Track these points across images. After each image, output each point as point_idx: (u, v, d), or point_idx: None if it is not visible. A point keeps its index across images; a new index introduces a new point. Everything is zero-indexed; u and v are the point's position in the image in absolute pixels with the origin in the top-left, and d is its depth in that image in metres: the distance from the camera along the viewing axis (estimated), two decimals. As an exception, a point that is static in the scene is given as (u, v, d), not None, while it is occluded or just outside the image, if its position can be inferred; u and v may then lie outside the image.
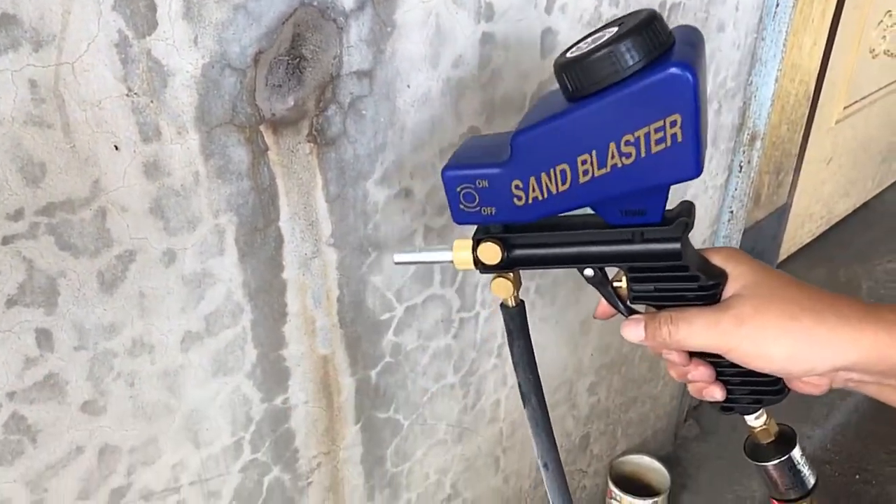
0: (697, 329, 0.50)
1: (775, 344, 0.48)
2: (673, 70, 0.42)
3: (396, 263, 0.59)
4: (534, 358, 0.59)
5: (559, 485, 0.64)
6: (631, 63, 0.43)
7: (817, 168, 2.22)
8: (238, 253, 0.70)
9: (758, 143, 1.39)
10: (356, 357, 0.87)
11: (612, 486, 1.46)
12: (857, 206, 2.62)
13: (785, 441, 0.57)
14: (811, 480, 0.58)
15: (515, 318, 0.58)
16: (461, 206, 0.52)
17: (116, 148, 0.58)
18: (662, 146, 0.43)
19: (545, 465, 0.64)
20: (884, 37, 2.17)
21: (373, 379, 0.90)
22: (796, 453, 0.57)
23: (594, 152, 0.45)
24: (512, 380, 1.13)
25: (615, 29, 0.45)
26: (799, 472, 0.57)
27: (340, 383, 0.86)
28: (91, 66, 0.54)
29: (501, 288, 0.56)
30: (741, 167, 1.37)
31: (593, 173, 0.46)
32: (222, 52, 0.61)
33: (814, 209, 2.35)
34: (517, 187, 0.49)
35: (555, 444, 0.62)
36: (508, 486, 1.25)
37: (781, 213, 2.08)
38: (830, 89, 2.02)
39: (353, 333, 0.85)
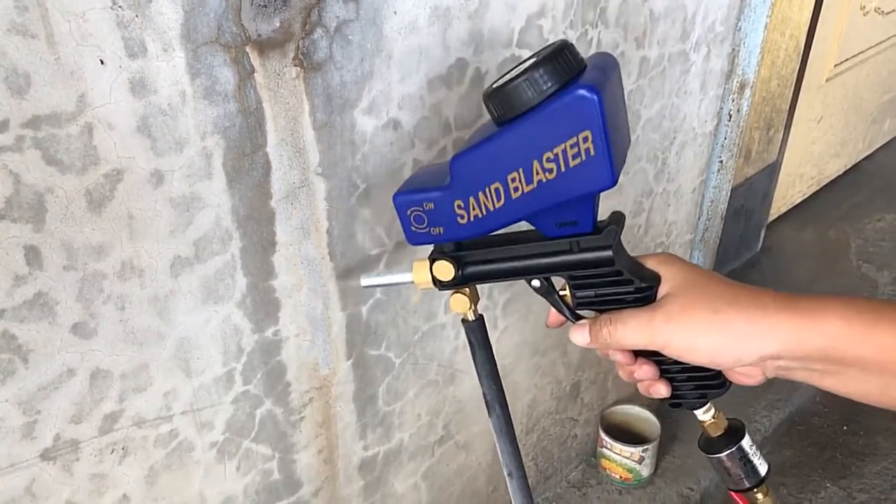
0: (633, 328, 0.54)
1: (703, 337, 0.52)
2: (580, 92, 0.47)
3: (364, 287, 0.65)
4: (496, 368, 0.63)
5: (523, 494, 0.65)
6: (545, 88, 0.48)
7: (808, 127, 2.22)
8: (226, 178, 0.70)
9: (747, 92, 1.39)
10: (346, 292, 0.87)
11: (602, 435, 1.47)
12: (848, 166, 2.63)
13: (734, 433, 0.61)
14: (763, 469, 0.62)
15: (476, 332, 0.63)
16: (413, 228, 0.58)
17: (102, 62, 0.58)
18: (579, 160, 0.48)
19: (510, 474, 0.65)
20: (874, -7, 2.17)
21: (363, 315, 0.91)
22: (746, 443, 0.60)
23: (521, 170, 0.50)
24: (503, 323, 1.14)
25: (533, 59, 0.50)
26: (750, 461, 0.60)
27: (331, 318, 0.87)
28: (74, -26, 0.54)
29: (459, 303, 0.61)
30: (730, 115, 1.38)
31: (523, 189, 0.51)
32: (206, -33, 0.60)
33: (804, 169, 2.36)
34: (459, 207, 0.54)
35: (519, 453, 0.65)
36: (500, 431, 1.26)
37: (772, 171, 2.09)
38: (821, 45, 2.02)
39: (343, 267, 0.85)
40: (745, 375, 0.56)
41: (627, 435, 1.48)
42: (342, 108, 0.76)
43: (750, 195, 2.03)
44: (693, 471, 1.55)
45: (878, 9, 2.22)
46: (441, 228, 0.56)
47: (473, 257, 0.58)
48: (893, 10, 2.31)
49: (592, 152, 0.48)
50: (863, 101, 2.46)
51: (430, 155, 0.87)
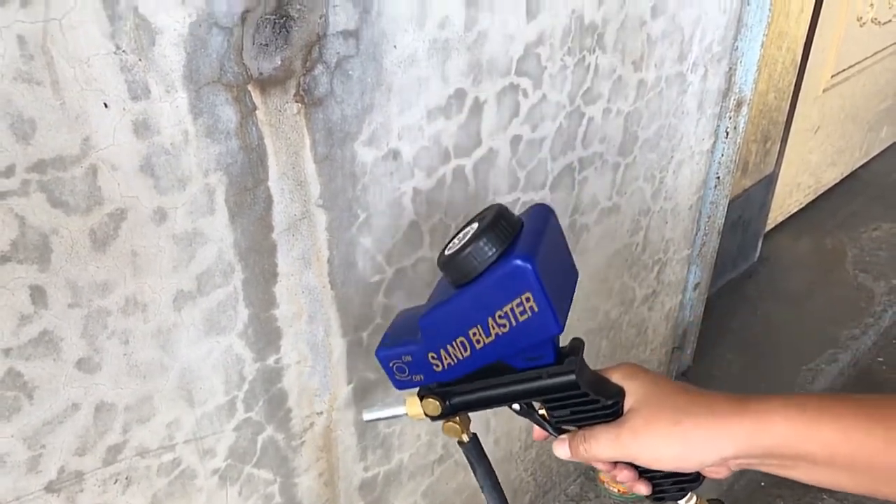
0: (603, 444, 0.60)
1: (665, 448, 0.57)
2: (516, 262, 0.53)
3: (366, 421, 0.70)
4: (497, 479, 0.69)
5: None
6: (486, 256, 0.55)
7: (804, 137, 2.23)
8: (228, 213, 0.71)
9: (744, 109, 1.40)
10: (347, 319, 0.88)
11: (601, 449, 1.48)
12: (845, 175, 2.64)
13: None
14: None
15: (472, 451, 0.68)
16: (397, 377, 0.64)
17: (106, 105, 0.59)
18: (526, 316, 0.55)
19: None
20: (871, 4, 2.18)
21: (364, 340, 0.92)
22: None
23: (479, 326, 0.57)
24: (501, 343, 1.14)
25: (475, 225, 0.57)
26: None
27: (332, 344, 0.88)
28: (79, 22, 0.55)
29: (452, 431, 0.67)
30: (727, 133, 1.39)
31: (483, 342, 0.57)
32: (209, 10, 0.61)
33: (801, 178, 2.37)
34: (433, 358, 0.61)
35: None
36: (499, 448, 1.27)
37: (769, 182, 2.10)
38: (818, 57, 2.03)
39: (343, 295, 0.86)
40: (712, 472, 0.60)
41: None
42: (343, 141, 0.76)
43: (747, 206, 2.04)
44: (691, 484, 1.56)
45: (875, 19, 2.23)
46: (421, 375, 0.63)
47: (457, 390, 0.64)
48: (890, 21, 2.32)
49: (536, 309, 0.54)
50: (860, 110, 2.47)
51: (429, 183, 0.87)
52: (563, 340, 0.62)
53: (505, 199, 1.00)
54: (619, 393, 0.61)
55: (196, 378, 0.76)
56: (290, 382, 0.86)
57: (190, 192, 0.67)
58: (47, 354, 0.64)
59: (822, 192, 2.55)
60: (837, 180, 2.61)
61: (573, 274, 0.62)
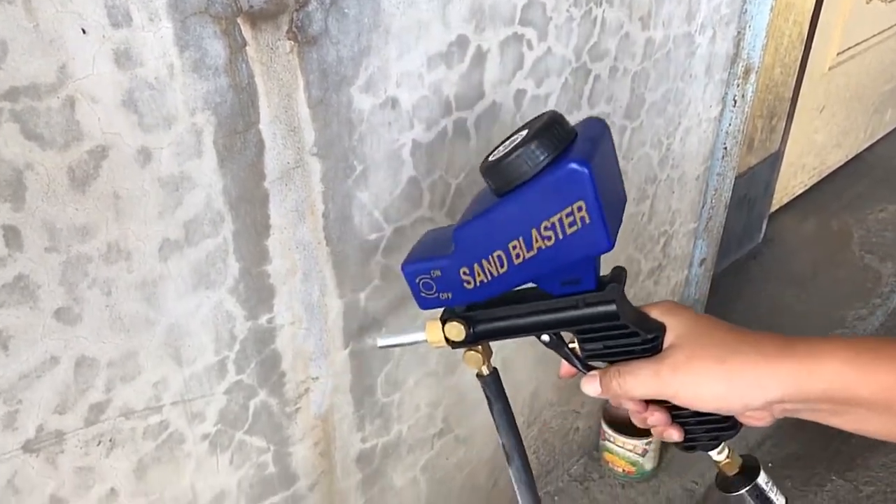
0: (641, 380, 0.56)
1: (708, 387, 0.54)
2: (571, 165, 0.49)
3: (380, 347, 0.66)
4: (514, 419, 0.65)
5: None
6: (538, 160, 0.50)
7: (810, 116, 2.20)
8: (217, 157, 0.67)
9: (752, 78, 1.36)
10: (343, 278, 0.84)
11: (605, 427, 1.45)
12: (850, 157, 2.61)
13: (750, 471, 0.62)
14: (780, 503, 0.63)
15: (491, 386, 0.64)
16: (423, 294, 0.60)
17: (84, 31, 0.55)
18: (575, 228, 0.51)
19: None
20: (878, -19, 2.14)
21: (361, 302, 0.88)
22: (762, 480, 0.62)
23: (521, 238, 0.53)
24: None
25: (525, 132, 0.53)
26: (767, 497, 0.62)
27: (327, 305, 0.84)
28: (52, -66, 0.51)
29: (472, 360, 0.63)
30: (735, 101, 1.35)
31: (524, 256, 0.53)
32: (194, -69, 0.57)
33: (806, 159, 2.33)
34: (465, 273, 0.56)
35: (539, 500, 0.66)
36: (501, 424, 1.23)
37: (774, 161, 2.06)
38: (824, 33, 1.99)
39: (339, 252, 0.82)
40: (754, 418, 0.57)
41: (630, 428, 1.45)
42: (338, 85, 0.72)
43: (752, 185, 2.00)
44: (697, 465, 1.52)
45: (882, -3, 2.20)
46: (449, 294, 0.58)
47: (483, 316, 0.60)
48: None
49: (587, 220, 0.50)
50: (865, 90, 2.43)
51: (429, 136, 0.83)
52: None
53: (508, 159, 0.95)
54: (660, 328, 0.57)
55: (184, 335, 0.72)
56: (284, 344, 0.82)
57: (176, 132, 0.63)
58: (23, 302, 0.60)
59: (826, 174, 2.52)
60: (842, 162, 2.57)
61: (623, 196, 0.57)
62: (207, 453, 0.80)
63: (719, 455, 0.62)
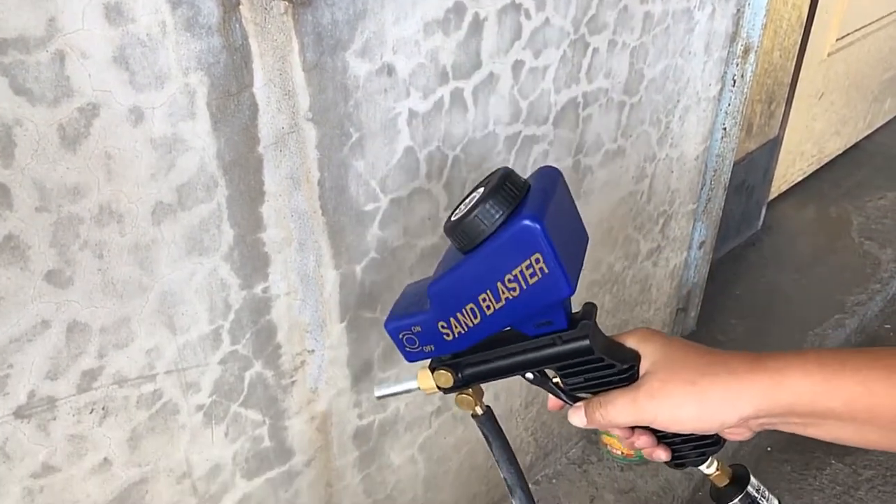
0: (620, 409, 0.57)
1: (682, 409, 0.55)
2: (524, 223, 0.52)
3: (378, 398, 0.67)
4: (513, 454, 0.66)
5: None
6: (494, 219, 0.53)
7: (809, 103, 2.19)
8: (210, 119, 0.66)
9: (751, 57, 1.35)
10: (340, 249, 0.83)
11: (603, 410, 1.44)
12: (848, 145, 2.60)
13: (740, 479, 0.64)
14: None
15: (487, 424, 0.65)
16: (407, 349, 0.62)
17: (73, -16, 0.54)
18: (536, 278, 0.53)
19: None
20: (877, -33, 2.13)
21: (358, 275, 0.87)
22: (752, 488, 0.63)
23: (489, 291, 0.55)
24: (501, 290, 1.10)
25: (481, 189, 0.55)
26: (759, 503, 0.64)
27: (323, 276, 0.83)
28: None
29: (465, 403, 0.64)
30: (734, 81, 1.34)
31: (494, 307, 0.55)
32: None
33: (805, 147, 2.32)
34: (443, 327, 0.59)
35: None
36: (500, 403, 1.23)
37: (773, 147, 2.05)
38: (823, 18, 1.98)
39: (335, 223, 0.81)
40: (733, 434, 0.59)
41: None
42: (333, 49, 0.71)
43: (751, 171, 1.99)
44: (695, 447, 1.51)
45: (881, -18, 2.19)
46: (432, 346, 0.61)
47: (469, 361, 0.62)
48: (896, -15, 2.28)
49: (546, 270, 0.52)
50: (864, 77, 2.42)
51: (426, 106, 0.83)
52: (575, 305, 0.60)
53: (506, 131, 0.95)
54: (635, 357, 0.59)
55: (178, 302, 0.71)
56: (280, 315, 0.81)
57: (168, 92, 0.62)
58: (13, 262, 0.59)
59: (825, 162, 2.51)
60: (841, 151, 2.56)
61: (583, 237, 0.59)
62: (202, 425, 0.79)
63: (709, 468, 0.63)
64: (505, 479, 0.65)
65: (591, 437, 1.51)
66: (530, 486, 0.68)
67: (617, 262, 1.32)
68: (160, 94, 0.62)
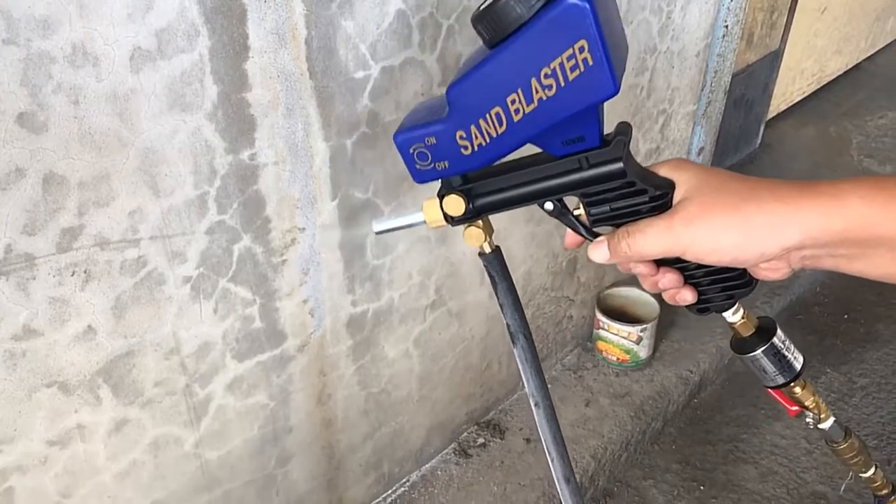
0: (652, 237, 0.53)
1: (723, 236, 0.51)
2: (571, 1, 0.45)
3: (376, 233, 0.62)
4: (518, 299, 0.62)
5: (550, 424, 0.64)
6: (533, 2, 0.46)
7: (811, 17, 2.14)
8: (189, -43, 0.62)
9: (756, -51, 1.30)
10: (329, 119, 0.80)
11: (599, 316, 1.43)
12: (850, 66, 2.55)
13: (766, 331, 0.60)
14: (798, 363, 0.61)
15: (494, 263, 0.61)
16: (417, 166, 0.56)
17: None
18: (577, 72, 0.47)
19: (536, 404, 0.64)
20: None
21: (348, 149, 0.84)
22: (778, 340, 0.59)
23: (520, 91, 0.49)
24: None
25: None
26: (784, 356, 0.60)
27: (313, 148, 0.80)
28: None
29: (473, 236, 0.59)
30: (738, -27, 1.29)
31: (524, 111, 0.50)
32: None
33: (806, 64, 2.28)
34: (462, 137, 0.53)
35: (545, 382, 0.64)
36: (494, 303, 1.21)
37: (773, 60, 2.01)
38: (829, -76, 1.92)
39: (324, 88, 0.77)
40: (771, 270, 0.54)
41: (625, 318, 1.44)
42: None
43: (751, 84, 1.95)
44: (692, 354, 1.51)
45: None
46: (446, 163, 0.55)
47: (483, 188, 0.57)
48: None
49: (591, 62, 0.47)
50: (868, -6, 2.37)
51: (418, -35, 0.78)
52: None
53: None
54: (668, 184, 0.54)
55: (160, 161, 0.68)
56: (268, 186, 0.78)
57: (142, -79, 0.58)
58: (-19, 99, 0.55)
59: (826, 81, 2.47)
60: (842, 71, 2.52)
61: (624, 42, 0.53)
62: (190, 299, 0.77)
63: (734, 316, 0.59)
64: (508, 325, 0.62)
65: (587, 345, 1.50)
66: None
67: (615, 162, 1.29)
68: (133, -77, 0.58)
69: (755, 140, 2.15)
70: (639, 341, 1.41)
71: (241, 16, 0.67)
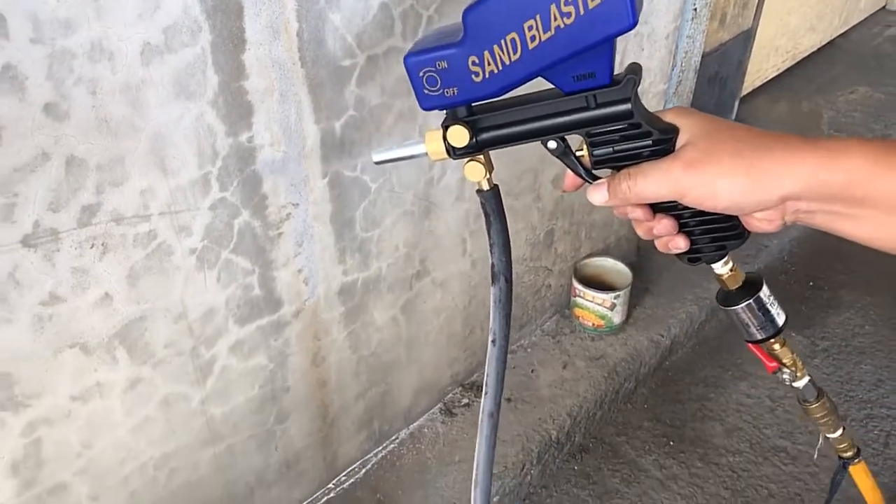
0: (653, 179, 0.54)
1: (724, 181, 0.51)
2: None
3: (376, 162, 0.61)
4: (508, 240, 0.62)
5: (500, 362, 0.65)
6: None
7: (784, -5, 2.21)
8: (192, -39, 0.69)
9: (722, -65, 1.37)
10: (320, 104, 0.87)
11: (576, 284, 1.51)
12: (823, 43, 2.63)
13: (752, 285, 0.61)
14: (780, 319, 0.62)
15: (490, 201, 0.61)
16: (426, 91, 0.55)
17: None
18: (597, 1, 0.47)
19: (493, 341, 0.65)
20: None
21: (337, 131, 0.91)
22: (764, 294, 0.61)
23: (538, 17, 0.49)
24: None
25: None
26: (768, 311, 0.61)
27: (305, 130, 0.88)
28: None
29: (474, 171, 0.59)
30: (705, -42, 1.36)
31: (540, 38, 0.50)
32: None
33: (779, 42, 2.35)
34: (474, 63, 0.52)
35: (509, 324, 0.65)
36: (476, 272, 1.29)
37: (746, 38, 2.08)
38: None
39: (314, 76, 0.85)
40: (766, 221, 0.55)
41: (600, 287, 1.52)
42: None
43: (724, 62, 2.02)
44: (663, 319, 1.60)
45: None
46: (455, 89, 0.54)
47: (487, 122, 0.57)
48: None
49: None
50: (840, -28, 2.44)
51: (399, -39, 0.86)
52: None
53: None
54: (673, 129, 0.55)
55: (168, 145, 0.76)
56: (264, 165, 0.86)
57: (151, -69, 0.65)
58: (12, 91, 0.63)
59: (800, 58, 2.54)
60: (816, 47, 2.60)
61: None
62: (195, 268, 0.85)
63: (723, 267, 0.60)
64: (493, 265, 0.63)
65: (564, 312, 1.59)
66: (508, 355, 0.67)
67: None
68: (143, -67, 0.65)
69: (730, 116, 2.23)
70: (613, 308, 1.50)
71: (238, 12, 0.75)
